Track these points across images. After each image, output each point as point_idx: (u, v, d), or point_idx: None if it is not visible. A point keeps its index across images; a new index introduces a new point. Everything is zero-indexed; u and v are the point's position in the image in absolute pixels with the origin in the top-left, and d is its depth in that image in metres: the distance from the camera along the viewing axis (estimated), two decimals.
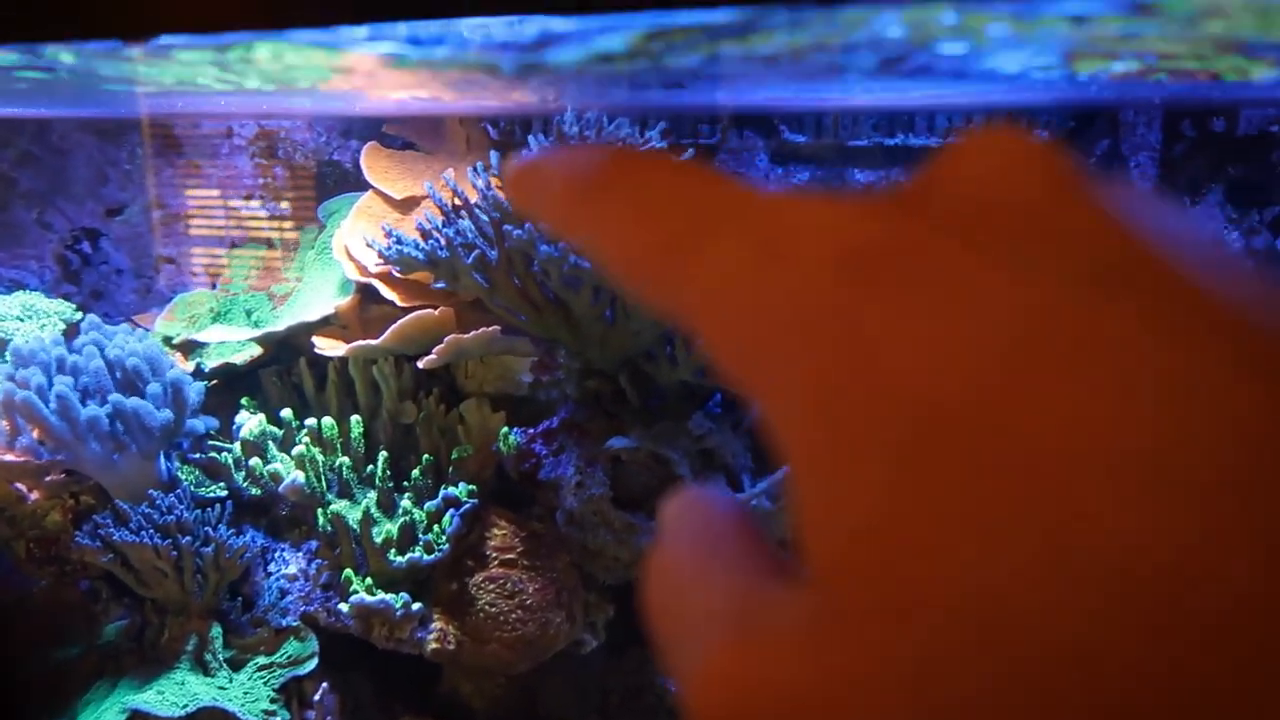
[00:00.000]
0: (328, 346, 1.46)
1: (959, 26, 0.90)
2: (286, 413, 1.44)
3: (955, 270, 0.15)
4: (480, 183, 1.25)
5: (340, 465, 1.38)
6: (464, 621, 1.34)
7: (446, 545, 1.32)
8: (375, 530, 1.32)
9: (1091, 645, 0.12)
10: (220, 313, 1.68)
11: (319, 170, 1.74)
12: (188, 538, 1.28)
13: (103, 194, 1.76)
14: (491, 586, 1.36)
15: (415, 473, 1.40)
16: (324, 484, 1.36)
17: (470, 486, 1.39)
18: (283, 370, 1.57)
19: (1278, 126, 1.44)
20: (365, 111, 1.67)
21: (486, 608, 1.34)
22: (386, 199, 1.60)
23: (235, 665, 1.32)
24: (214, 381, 1.53)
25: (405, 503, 1.35)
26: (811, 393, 0.15)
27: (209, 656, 1.30)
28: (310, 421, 1.41)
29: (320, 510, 1.33)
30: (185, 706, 1.25)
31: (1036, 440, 0.14)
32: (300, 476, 1.31)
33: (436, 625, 1.32)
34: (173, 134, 1.73)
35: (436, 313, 1.42)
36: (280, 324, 1.52)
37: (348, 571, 1.30)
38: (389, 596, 1.27)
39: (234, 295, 1.71)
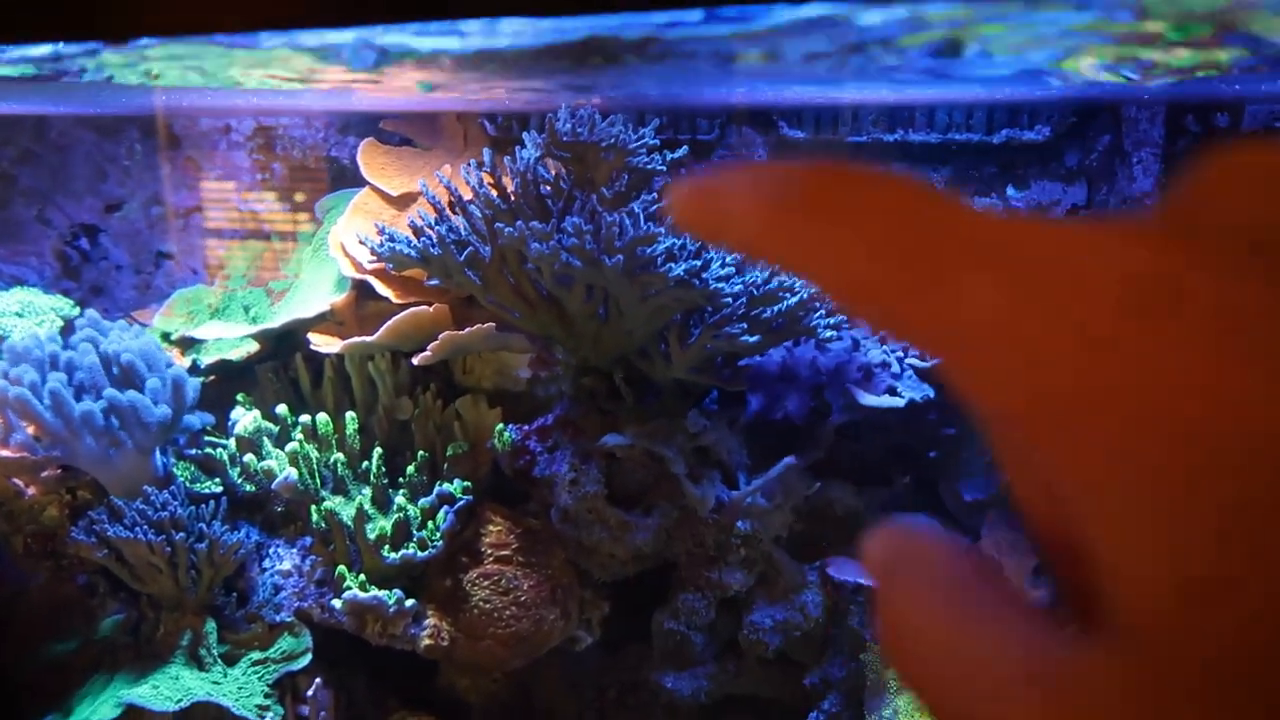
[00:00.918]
0: (323, 343, 1.46)
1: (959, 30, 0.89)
2: (282, 409, 1.44)
3: (1243, 299, 0.14)
4: (474, 179, 1.25)
5: (335, 461, 1.38)
6: (458, 618, 1.34)
7: (440, 542, 1.32)
8: (369, 527, 1.32)
9: None
10: (218, 308, 1.68)
11: (317, 166, 1.74)
12: (181, 534, 1.28)
13: (102, 190, 1.76)
14: (486, 583, 1.36)
15: (410, 469, 1.40)
16: (318, 480, 1.36)
17: (465, 483, 1.39)
18: (279, 366, 1.57)
19: None
20: (363, 107, 1.67)
21: (480, 604, 1.34)
22: (383, 195, 1.59)
23: (229, 660, 1.32)
24: (211, 377, 1.54)
25: (400, 499, 1.35)
26: (1117, 438, 0.15)
27: (203, 651, 1.30)
28: (305, 418, 1.41)
29: (314, 507, 1.33)
30: (179, 701, 1.25)
31: None
32: (293, 473, 1.31)
33: (430, 622, 1.32)
34: (171, 130, 1.73)
35: (431, 309, 1.41)
36: (277, 320, 1.52)
37: (341, 568, 1.30)
38: (382, 593, 1.27)
39: (232, 291, 1.71)
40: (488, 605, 1.34)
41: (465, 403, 1.51)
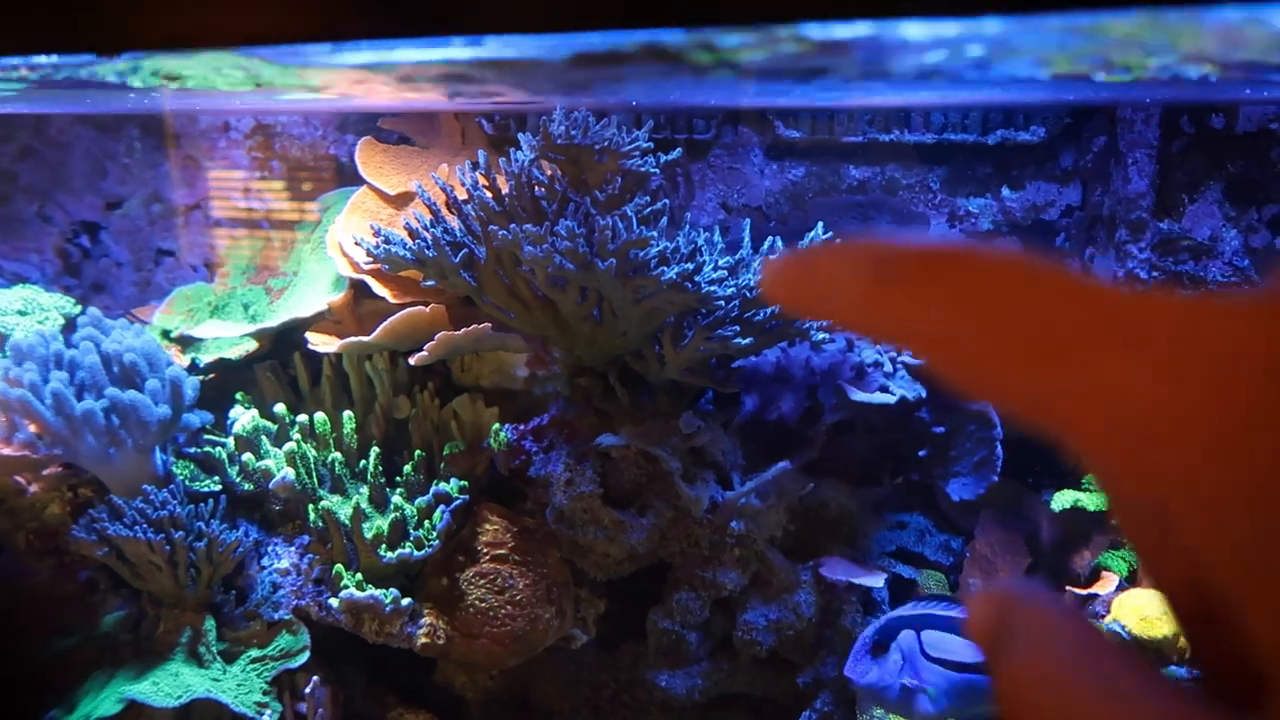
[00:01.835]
0: (321, 342, 1.47)
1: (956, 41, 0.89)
2: (280, 408, 1.46)
3: None
4: (468, 181, 1.25)
5: (333, 460, 1.40)
6: (454, 616, 1.35)
7: (437, 541, 1.33)
8: (366, 526, 1.34)
9: None
10: (218, 306, 1.69)
11: (316, 164, 1.75)
12: (181, 532, 1.29)
13: (102, 188, 1.77)
14: (482, 582, 1.37)
15: (407, 468, 1.41)
16: (316, 479, 1.37)
17: (462, 482, 1.40)
18: (277, 365, 1.58)
19: (1278, 124, 1.42)
20: (361, 107, 1.67)
21: (476, 603, 1.35)
22: (380, 194, 1.60)
23: (228, 657, 1.34)
24: (210, 376, 1.55)
25: (397, 498, 1.36)
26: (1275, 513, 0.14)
27: (202, 649, 1.32)
28: (303, 417, 1.42)
29: (311, 506, 1.34)
30: (180, 697, 1.27)
31: None
32: (290, 473, 1.32)
33: (426, 620, 1.33)
34: (170, 129, 1.74)
35: (428, 310, 1.42)
36: (275, 319, 1.53)
37: (338, 566, 1.31)
38: (378, 592, 1.28)
39: (232, 289, 1.72)
40: (483, 604, 1.35)
41: (463, 402, 1.52)
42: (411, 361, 1.40)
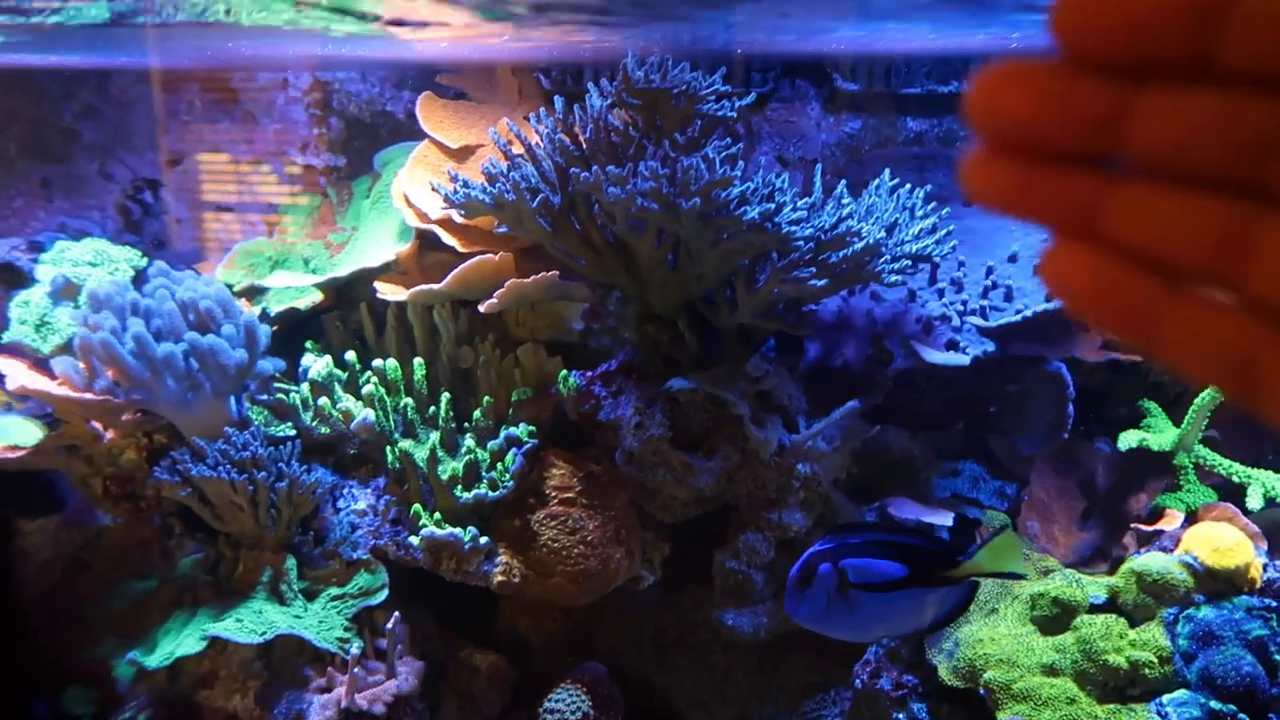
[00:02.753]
0: (390, 291, 1.49)
1: None
2: (350, 355, 1.48)
3: None
4: (546, 127, 1.27)
5: (405, 406, 1.42)
6: (528, 556, 1.38)
7: (511, 482, 1.36)
8: (441, 468, 1.36)
9: None
10: (278, 261, 1.71)
11: (372, 120, 1.77)
12: (263, 473, 1.32)
13: (162, 145, 1.79)
14: (553, 523, 1.40)
15: (477, 414, 1.44)
16: (392, 423, 1.40)
17: (530, 427, 1.43)
18: (343, 315, 1.60)
19: None
20: (419, 58, 1.69)
21: (549, 543, 1.38)
22: (442, 148, 1.62)
23: (309, 596, 1.37)
24: (274, 327, 1.57)
25: (469, 442, 1.38)
26: None
27: (284, 587, 1.35)
28: (376, 363, 1.45)
29: (389, 448, 1.37)
30: (263, 634, 1.30)
31: None
32: (371, 414, 1.35)
33: (502, 559, 1.36)
34: (229, 85, 1.76)
35: (496, 258, 1.44)
36: (343, 269, 1.55)
37: (416, 507, 1.34)
38: (458, 530, 1.31)
39: (291, 244, 1.74)
40: (556, 544, 1.38)
41: (526, 351, 1.54)
42: (481, 309, 1.43)
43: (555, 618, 1.57)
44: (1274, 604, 1.15)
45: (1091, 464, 1.56)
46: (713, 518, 1.47)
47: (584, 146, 1.26)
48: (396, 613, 1.33)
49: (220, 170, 1.80)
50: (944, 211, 1.33)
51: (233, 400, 1.44)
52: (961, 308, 1.45)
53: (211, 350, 1.33)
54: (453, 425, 1.44)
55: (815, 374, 1.46)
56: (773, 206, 1.15)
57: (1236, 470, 1.37)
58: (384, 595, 1.35)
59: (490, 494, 1.35)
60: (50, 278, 1.51)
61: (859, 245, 1.22)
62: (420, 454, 1.37)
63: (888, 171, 1.33)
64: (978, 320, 1.43)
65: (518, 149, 1.31)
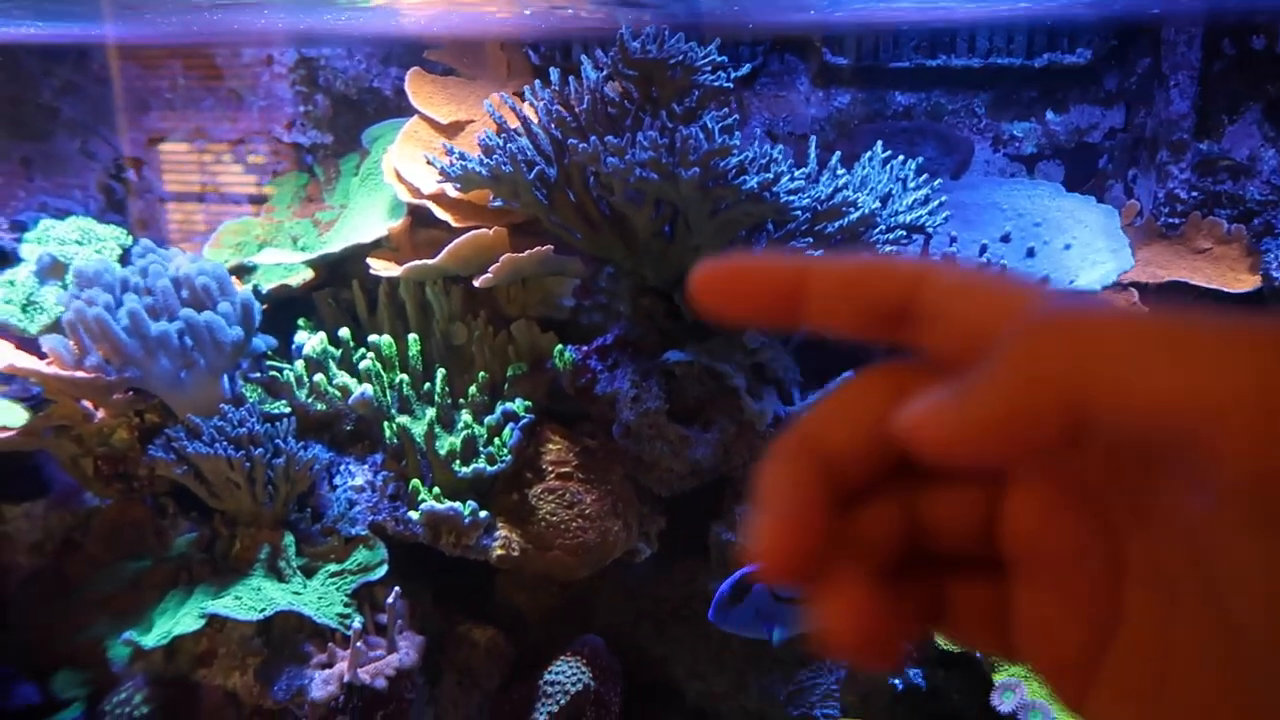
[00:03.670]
0: (382, 267, 1.49)
1: None
2: (345, 332, 1.48)
3: None
4: (543, 99, 1.27)
5: (400, 382, 1.42)
6: (526, 530, 1.38)
7: (509, 457, 1.37)
8: (439, 443, 1.36)
9: None
10: (266, 240, 1.70)
11: (359, 97, 1.75)
12: (260, 450, 1.31)
13: (145, 123, 1.76)
14: (551, 497, 1.40)
15: (472, 389, 1.44)
16: (389, 398, 1.40)
17: (526, 402, 1.43)
18: (335, 292, 1.59)
19: None
20: (405, 31, 1.67)
21: (548, 517, 1.39)
22: (432, 123, 1.61)
23: (307, 573, 1.37)
24: (265, 305, 1.56)
25: (465, 417, 1.38)
26: None
27: (283, 564, 1.34)
28: (371, 338, 1.44)
29: (386, 423, 1.37)
30: (263, 611, 1.30)
31: None
32: (369, 389, 1.35)
33: (501, 533, 1.37)
34: (213, 62, 1.74)
35: (491, 232, 1.44)
36: (335, 246, 1.54)
37: (415, 482, 1.34)
38: (457, 504, 1.31)
39: (278, 223, 1.73)
40: (554, 518, 1.39)
41: (520, 326, 1.54)
42: (476, 284, 1.42)
43: (553, 591, 1.58)
44: None
45: None
46: (708, 490, 1.48)
47: (580, 118, 1.26)
48: (397, 588, 1.33)
49: (205, 148, 1.77)
50: (935, 183, 1.35)
51: (225, 378, 1.43)
52: None
53: (209, 327, 1.32)
54: (448, 401, 1.43)
55: (809, 346, 1.47)
56: (770, 176, 1.16)
57: None
58: (383, 571, 1.35)
59: (488, 469, 1.35)
60: (36, 256, 1.49)
61: (855, 215, 1.23)
62: (418, 429, 1.37)
63: (880, 144, 1.34)
64: None
65: (513, 121, 1.31)
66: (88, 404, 1.43)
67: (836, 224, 1.24)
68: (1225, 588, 0.18)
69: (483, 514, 1.33)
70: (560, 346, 1.45)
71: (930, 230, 1.35)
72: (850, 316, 0.23)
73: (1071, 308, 0.19)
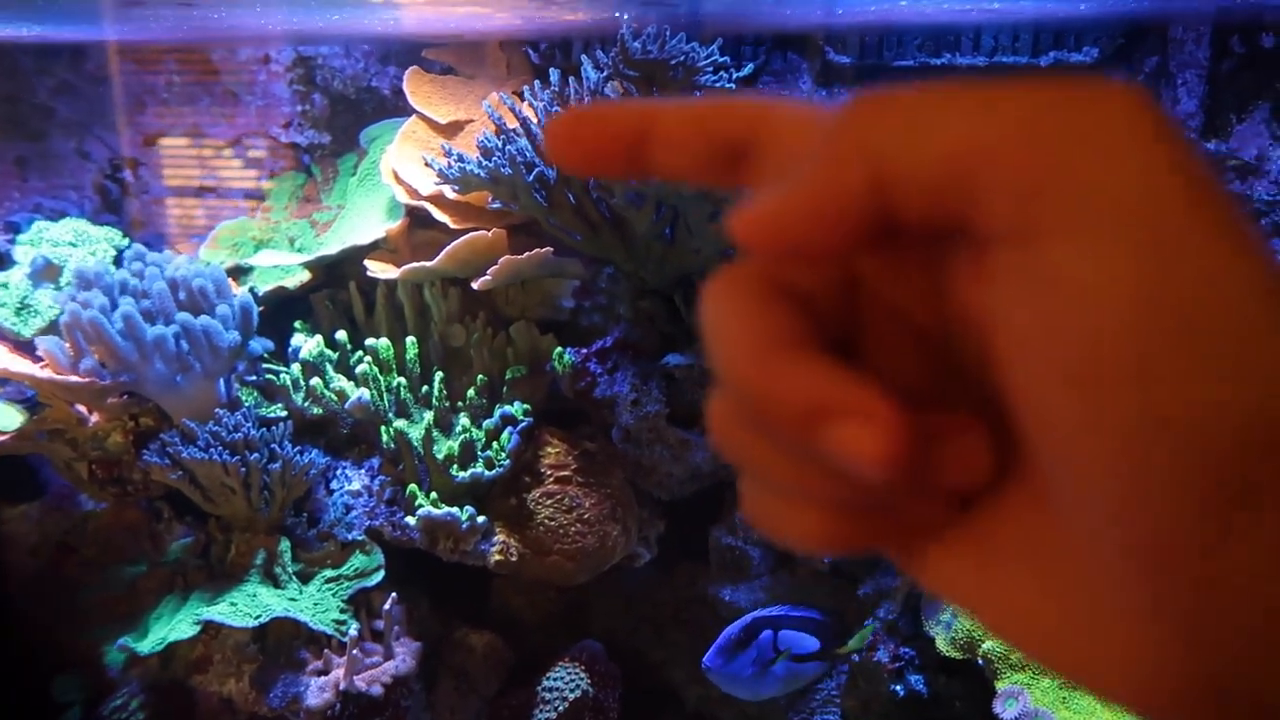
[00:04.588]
0: (381, 269, 1.47)
1: None
2: (341, 335, 1.46)
3: None
4: (542, 100, 1.25)
5: (397, 385, 1.41)
6: (524, 535, 1.37)
7: (507, 461, 1.35)
8: (436, 447, 1.35)
9: None
10: (263, 241, 1.68)
11: (357, 97, 1.73)
12: (255, 455, 1.30)
13: (141, 122, 1.75)
14: (549, 502, 1.39)
15: (470, 392, 1.43)
16: (385, 402, 1.38)
17: (525, 405, 1.42)
18: (333, 294, 1.58)
19: None
20: (406, 31, 1.66)
21: (546, 521, 1.37)
22: (431, 123, 1.59)
23: (303, 579, 1.36)
24: (262, 308, 1.54)
25: (464, 421, 1.37)
26: None
27: (278, 570, 1.33)
28: (368, 342, 1.43)
29: (383, 427, 1.35)
30: (258, 617, 1.28)
31: None
32: (366, 393, 1.33)
33: (499, 538, 1.35)
34: (210, 61, 1.72)
35: (489, 234, 1.43)
36: (332, 248, 1.52)
37: (412, 487, 1.33)
38: (455, 509, 1.30)
39: (275, 224, 1.71)
40: (553, 522, 1.37)
41: (519, 328, 1.53)
42: (475, 286, 1.41)
43: (551, 596, 1.57)
44: None
45: None
46: (708, 494, 1.47)
47: None
48: (393, 594, 1.32)
49: (201, 148, 1.76)
50: None
51: (221, 382, 1.42)
52: None
53: (205, 331, 1.30)
54: (446, 404, 1.42)
55: None
56: None
57: None
58: (380, 576, 1.34)
59: (486, 473, 1.34)
60: (30, 259, 1.48)
61: None
62: (415, 434, 1.35)
63: None
64: None
65: (512, 122, 1.29)
66: (82, 408, 1.42)
67: None
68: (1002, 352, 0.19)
69: (480, 519, 1.32)
70: (559, 349, 1.44)
71: None
72: (694, 159, 0.22)
73: (873, 94, 0.20)
